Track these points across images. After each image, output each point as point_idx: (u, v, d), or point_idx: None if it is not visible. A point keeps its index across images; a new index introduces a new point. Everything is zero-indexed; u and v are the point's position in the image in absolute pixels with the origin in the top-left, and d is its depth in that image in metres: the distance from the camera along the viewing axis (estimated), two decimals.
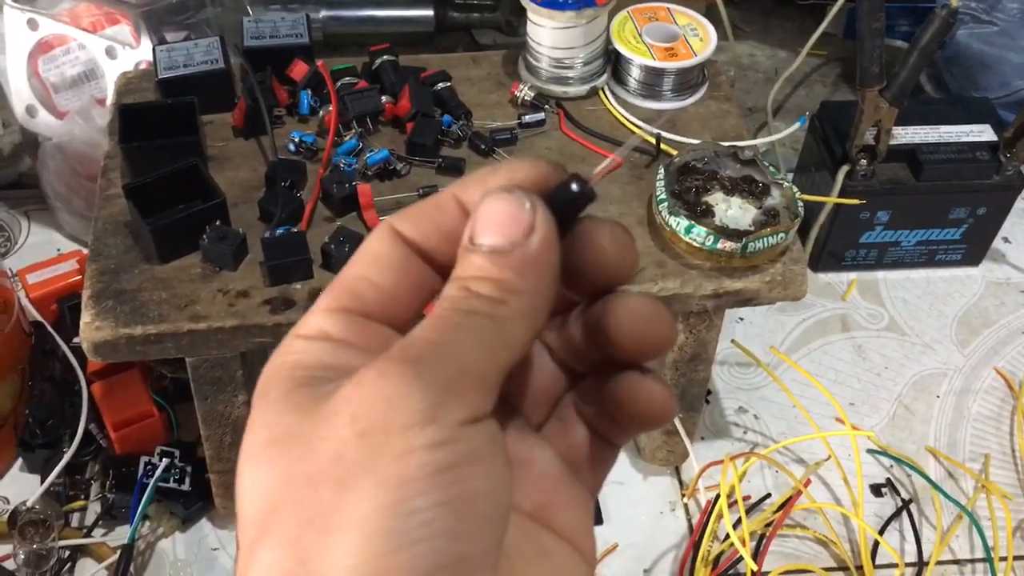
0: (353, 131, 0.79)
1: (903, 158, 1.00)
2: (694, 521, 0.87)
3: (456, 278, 0.26)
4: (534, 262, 0.26)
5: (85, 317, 0.67)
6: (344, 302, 0.28)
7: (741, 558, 0.80)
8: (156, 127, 0.74)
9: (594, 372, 0.31)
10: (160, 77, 0.80)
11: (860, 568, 0.83)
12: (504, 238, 0.26)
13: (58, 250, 1.03)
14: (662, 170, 0.74)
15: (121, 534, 0.81)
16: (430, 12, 1.18)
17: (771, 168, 0.75)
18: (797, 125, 0.87)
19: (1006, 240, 1.12)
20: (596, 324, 0.29)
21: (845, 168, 0.98)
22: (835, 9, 1.09)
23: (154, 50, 0.81)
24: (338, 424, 0.24)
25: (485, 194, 0.27)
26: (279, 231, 0.71)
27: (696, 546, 0.82)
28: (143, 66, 0.91)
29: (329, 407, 0.24)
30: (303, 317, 0.28)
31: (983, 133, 1.01)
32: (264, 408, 0.26)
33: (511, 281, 0.26)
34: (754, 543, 0.84)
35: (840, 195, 0.98)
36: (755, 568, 0.80)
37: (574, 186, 0.27)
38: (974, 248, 1.07)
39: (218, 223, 0.70)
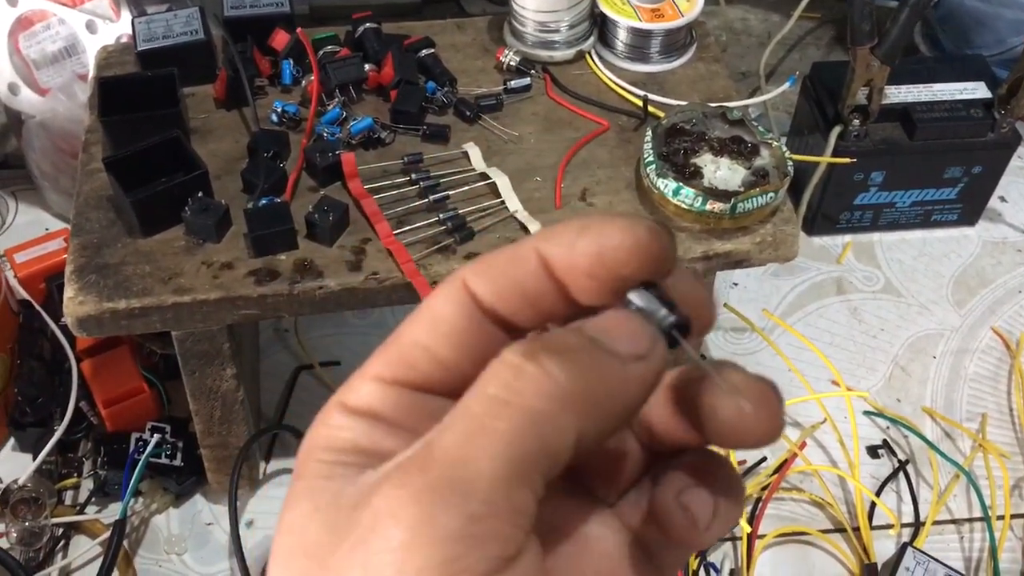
0: (336, 100, 0.78)
1: (896, 117, 0.98)
2: None
3: (514, 347, 0.23)
4: (615, 385, 0.23)
5: (68, 292, 0.66)
6: (397, 372, 0.24)
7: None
8: (137, 100, 0.74)
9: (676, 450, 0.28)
10: (139, 49, 0.79)
11: (857, 530, 0.83)
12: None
13: (46, 229, 1.02)
14: (650, 132, 0.73)
15: (114, 511, 0.81)
16: None
17: (760, 128, 0.74)
18: (787, 85, 0.86)
19: (1002, 199, 1.11)
20: (689, 406, 0.26)
21: (837, 129, 0.97)
22: None
23: (133, 22, 0.80)
24: (352, 569, 0.21)
25: (617, 306, 0.24)
26: (262, 202, 0.70)
27: None
28: (124, 40, 0.90)
29: (348, 533, 0.21)
30: (351, 380, 0.25)
31: (977, 90, 0.99)
32: (295, 495, 0.23)
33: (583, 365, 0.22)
34: (750, 506, 0.84)
35: (833, 156, 0.96)
36: (750, 530, 0.80)
37: (666, 315, 0.24)
38: (970, 207, 1.06)
39: (200, 195, 0.69)
